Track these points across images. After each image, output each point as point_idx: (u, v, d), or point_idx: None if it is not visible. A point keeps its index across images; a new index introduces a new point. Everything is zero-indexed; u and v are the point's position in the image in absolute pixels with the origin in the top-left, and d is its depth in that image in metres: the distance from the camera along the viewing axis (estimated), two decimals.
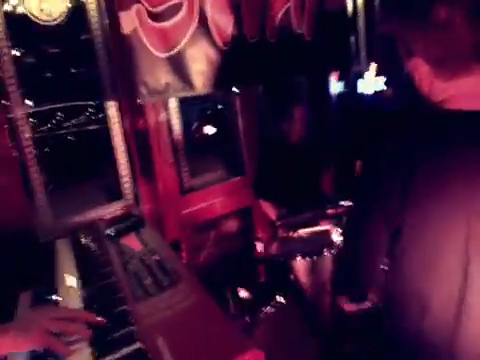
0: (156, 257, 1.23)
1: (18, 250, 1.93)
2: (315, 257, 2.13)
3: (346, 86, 3.50)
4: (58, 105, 5.98)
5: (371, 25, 3.51)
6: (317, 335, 1.94)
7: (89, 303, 1.12)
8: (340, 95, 3.43)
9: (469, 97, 0.90)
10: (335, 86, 3.44)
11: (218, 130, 4.68)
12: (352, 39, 3.25)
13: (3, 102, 1.96)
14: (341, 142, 3.24)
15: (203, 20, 2.33)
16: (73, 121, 6.60)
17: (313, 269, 2.16)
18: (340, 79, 3.45)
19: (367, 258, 1.03)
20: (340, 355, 1.95)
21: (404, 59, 1.02)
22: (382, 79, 3.36)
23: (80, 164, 4.49)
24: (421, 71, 0.96)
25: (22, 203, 1.98)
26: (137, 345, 0.88)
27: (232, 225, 2.89)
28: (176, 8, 2.23)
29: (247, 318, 1.52)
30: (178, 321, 0.91)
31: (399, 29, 1.01)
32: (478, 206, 0.87)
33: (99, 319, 0.96)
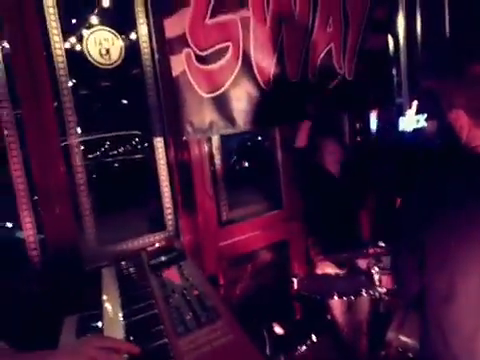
0: (196, 292, 1.29)
1: (66, 274, 2.05)
2: (352, 297, 2.10)
3: (387, 123, 3.51)
4: (107, 135, 6.32)
5: (413, 62, 3.54)
6: None
7: (131, 333, 1.18)
8: (380, 132, 3.44)
9: None
10: (376, 123, 3.46)
11: (257, 163, 4.77)
12: (393, 77, 3.28)
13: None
14: (381, 179, 3.22)
15: (247, 62, 2.44)
16: (120, 150, 6.94)
17: (350, 309, 2.13)
18: (381, 116, 3.46)
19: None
20: None
21: (445, 111, 1.12)
22: (423, 117, 3.35)
23: (125, 192, 4.69)
24: (462, 121, 1.09)
25: (73, 231, 2.12)
26: None
27: (269, 259, 2.91)
28: (222, 51, 2.36)
29: (282, 358, 1.52)
30: (213, 355, 0.95)
31: (440, 85, 1.10)
32: None
33: (139, 349, 1.02)
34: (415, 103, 3.37)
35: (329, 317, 2.14)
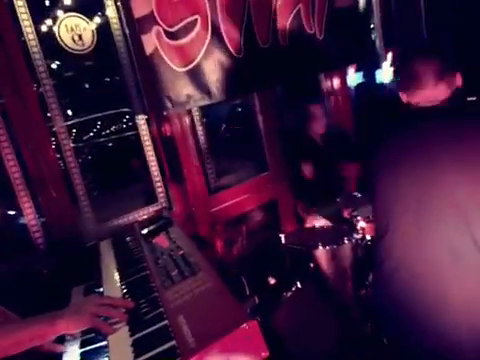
0: (181, 252, 1.45)
1: (69, 253, 2.22)
2: (335, 246, 2.28)
3: (364, 77, 3.58)
4: (96, 115, 6.36)
5: (387, 16, 3.57)
6: (338, 318, 2.09)
7: (127, 292, 1.36)
8: (359, 86, 3.52)
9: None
10: (353, 78, 3.53)
11: (242, 130, 4.87)
12: (366, 32, 3.33)
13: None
14: (361, 133, 3.33)
15: (216, 33, 2.51)
16: (112, 129, 6.99)
17: (334, 257, 2.31)
18: (358, 70, 3.54)
19: None
20: (360, 337, 2.10)
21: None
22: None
23: (119, 170, 4.82)
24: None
25: (70, 212, 2.27)
26: (164, 322, 1.10)
27: (260, 219, 3.08)
28: (191, 25, 2.43)
29: (256, 298, 1.71)
30: (195, 302, 1.12)
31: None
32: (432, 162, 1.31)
33: (133, 303, 1.19)
34: (390, 55, 3.43)
35: (314, 266, 2.32)
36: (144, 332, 1.10)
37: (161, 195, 2.59)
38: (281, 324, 1.86)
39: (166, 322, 1.10)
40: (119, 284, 1.44)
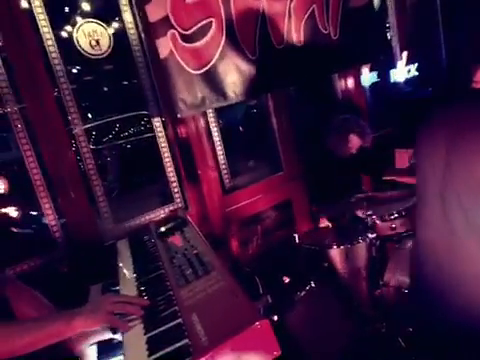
0: (195, 251, 1.48)
1: (88, 252, 2.28)
2: (349, 245, 2.28)
3: (379, 76, 3.56)
4: (115, 118, 6.48)
5: (402, 15, 3.54)
6: (352, 318, 2.09)
7: (143, 291, 1.39)
8: (373, 86, 3.50)
9: None
10: (368, 77, 3.51)
11: (257, 130, 4.88)
12: (381, 31, 3.31)
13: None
14: (376, 131, 3.31)
15: (231, 35, 2.54)
16: (130, 131, 7.12)
17: (348, 256, 2.31)
18: (372, 70, 3.51)
19: None
20: (374, 336, 2.09)
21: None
22: (414, 66, 3.39)
23: (138, 171, 4.91)
24: None
25: (88, 212, 2.33)
26: (178, 321, 1.13)
27: (275, 218, 3.09)
28: (206, 28, 2.46)
29: (269, 297, 1.72)
30: (208, 301, 1.14)
31: None
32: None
33: (148, 302, 1.22)
34: (405, 53, 3.40)
35: (327, 265, 2.33)
36: (158, 330, 1.13)
37: (177, 195, 2.64)
38: (295, 323, 1.87)
39: (180, 320, 1.13)
40: (135, 283, 1.48)
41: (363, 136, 2.73)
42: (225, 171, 2.86)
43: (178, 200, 2.65)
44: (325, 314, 2.03)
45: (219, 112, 2.83)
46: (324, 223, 2.69)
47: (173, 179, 2.61)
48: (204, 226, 2.61)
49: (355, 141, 2.74)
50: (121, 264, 1.69)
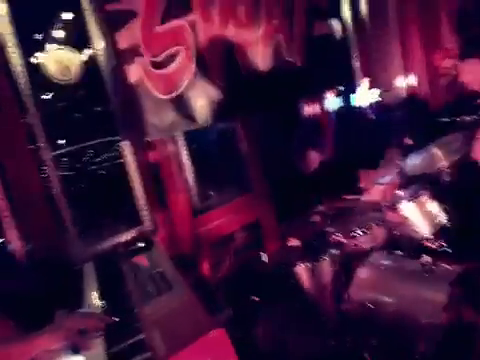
0: (159, 270, 1.52)
1: (55, 276, 2.26)
2: (314, 263, 2.35)
3: (344, 101, 3.74)
4: (86, 144, 6.46)
5: (364, 43, 3.76)
6: (317, 332, 2.14)
7: (108, 309, 1.41)
8: (338, 110, 3.67)
9: None
10: (333, 102, 3.68)
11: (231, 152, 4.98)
12: (343, 58, 3.50)
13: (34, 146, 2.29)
14: (344, 153, 3.46)
15: (200, 62, 2.65)
16: (102, 156, 7.11)
17: (314, 273, 2.37)
18: (337, 95, 3.69)
19: None
20: (339, 350, 2.14)
21: None
22: (376, 91, 3.59)
23: (108, 195, 4.88)
24: None
25: (57, 238, 2.32)
26: (140, 336, 1.16)
27: (244, 239, 3.14)
28: (176, 55, 2.56)
29: (227, 310, 1.76)
30: (169, 315, 1.18)
31: None
32: None
33: (111, 319, 1.25)
34: (366, 80, 3.60)
35: (295, 283, 2.37)
36: (121, 346, 1.15)
37: (146, 219, 2.66)
38: (261, 338, 1.90)
39: (142, 335, 1.16)
40: (100, 303, 1.49)
41: (322, 151, 2.89)
42: (195, 193, 2.91)
43: (147, 223, 2.67)
44: (291, 329, 2.07)
45: (192, 136, 2.90)
46: (292, 241, 2.76)
47: (142, 202, 2.64)
48: (173, 248, 2.64)
49: (314, 156, 2.86)
50: (87, 287, 1.70)
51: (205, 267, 2.88)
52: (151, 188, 2.65)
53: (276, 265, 2.45)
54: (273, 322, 2.06)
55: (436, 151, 2.43)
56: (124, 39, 2.39)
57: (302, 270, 2.37)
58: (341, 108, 3.67)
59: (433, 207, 2.44)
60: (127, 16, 2.39)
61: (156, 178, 2.65)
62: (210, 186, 3.26)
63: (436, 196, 2.46)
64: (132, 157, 2.60)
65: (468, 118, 2.83)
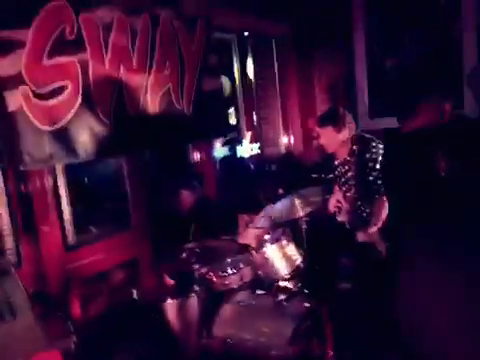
0: (9, 299, 1.50)
1: None
2: (181, 299, 2.45)
3: (230, 150, 4.08)
4: None
5: (249, 99, 4.21)
6: None
7: None
8: (223, 159, 3.99)
9: None
10: (219, 151, 4.00)
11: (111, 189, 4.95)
12: (228, 113, 3.87)
13: None
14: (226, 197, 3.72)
15: (87, 98, 2.68)
16: None
17: (180, 310, 2.47)
18: (224, 145, 4.02)
19: None
20: None
21: None
22: (256, 145, 4.01)
23: None
24: None
25: None
26: None
27: (120, 277, 3.12)
28: (61, 88, 2.58)
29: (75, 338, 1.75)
30: (10, 339, 1.19)
31: None
32: None
33: None
34: (249, 134, 4.01)
35: (162, 319, 2.44)
36: None
37: (10, 252, 2.52)
38: None
39: None
40: None
41: (193, 193, 3.19)
42: (70, 227, 2.85)
43: (10, 256, 2.53)
44: None
45: (75, 169, 2.87)
46: (166, 279, 2.83)
47: (7, 232, 2.51)
48: (39, 283, 2.53)
49: (186, 196, 3.10)
50: None
51: (75, 304, 2.79)
52: (20, 219, 2.54)
53: (144, 301, 2.49)
54: (131, 355, 2.08)
55: (295, 200, 2.79)
56: (5, 67, 2.34)
57: (169, 306, 2.46)
58: (225, 157, 3.98)
59: (292, 250, 2.75)
60: (12, 44, 2.37)
61: (27, 208, 2.56)
62: (90, 221, 3.22)
63: (295, 240, 2.79)
64: (2, 184, 2.49)
65: (330, 175, 3.30)
